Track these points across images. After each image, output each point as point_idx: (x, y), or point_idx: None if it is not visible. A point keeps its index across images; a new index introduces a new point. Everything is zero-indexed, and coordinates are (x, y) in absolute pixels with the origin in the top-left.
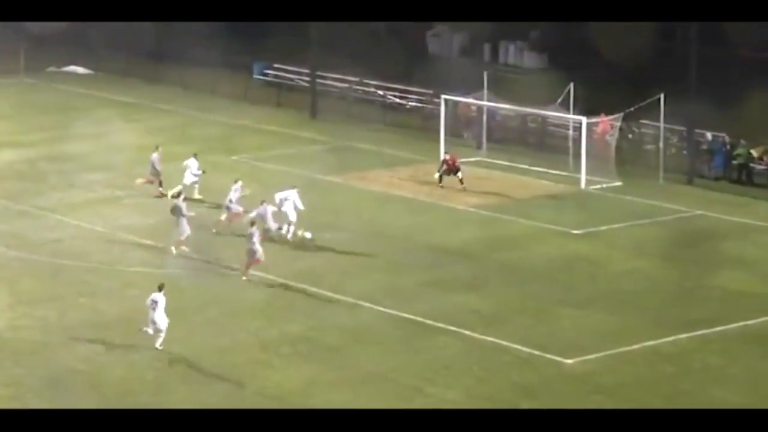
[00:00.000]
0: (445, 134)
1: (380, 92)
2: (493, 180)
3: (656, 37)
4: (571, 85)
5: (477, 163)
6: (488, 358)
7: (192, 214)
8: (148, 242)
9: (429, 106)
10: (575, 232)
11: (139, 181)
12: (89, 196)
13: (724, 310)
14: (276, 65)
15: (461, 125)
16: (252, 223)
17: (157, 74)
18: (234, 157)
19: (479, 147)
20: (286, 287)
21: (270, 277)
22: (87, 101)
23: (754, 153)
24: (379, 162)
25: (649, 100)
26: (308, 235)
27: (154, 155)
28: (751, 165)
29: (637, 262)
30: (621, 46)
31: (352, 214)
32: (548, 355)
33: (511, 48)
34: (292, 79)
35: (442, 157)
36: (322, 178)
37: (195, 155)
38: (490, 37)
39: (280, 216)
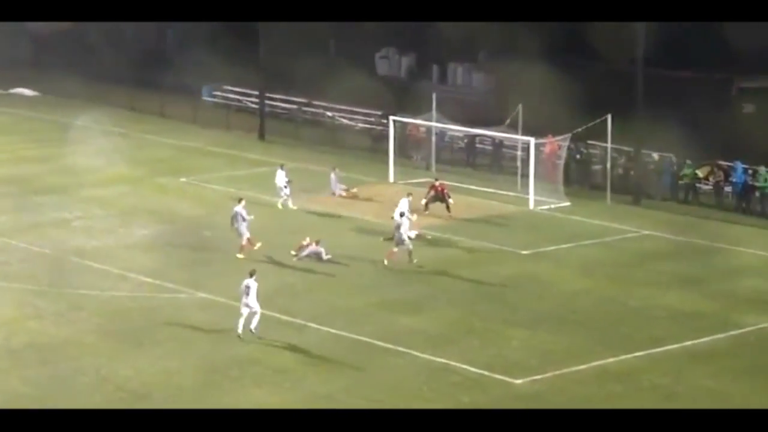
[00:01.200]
0: (395, 155)
1: (329, 114)
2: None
3: (604, 57)
4: (520, 107)
5: (426, 184)
6: (437, 379)
7: (251, 217)
8: (96, 265)
9: (378, 128)
10: (523, 252)
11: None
12: (37, 219)
13: (672, 329)
14: (225, 87)
15: (410, 146)
16: (401, 214)
17: (105, 96)
18: (182, 179)
19: (428, 168)
20: (235, 309)
21: (219, 299)
22: (34, 123)
23: (700, 173)
24: (328, 183)
25: (596, 121)
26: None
27: (333, 175)
28: (698, 185)
29: (584, 282)
30: (569, 67)
31: (300, 236)
32: (497, 376)
33: (460, 69)
34: (240, 101)
35: (430, 184)
36: (270, 200)
37: (282, 166)
38: (439, 58)
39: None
